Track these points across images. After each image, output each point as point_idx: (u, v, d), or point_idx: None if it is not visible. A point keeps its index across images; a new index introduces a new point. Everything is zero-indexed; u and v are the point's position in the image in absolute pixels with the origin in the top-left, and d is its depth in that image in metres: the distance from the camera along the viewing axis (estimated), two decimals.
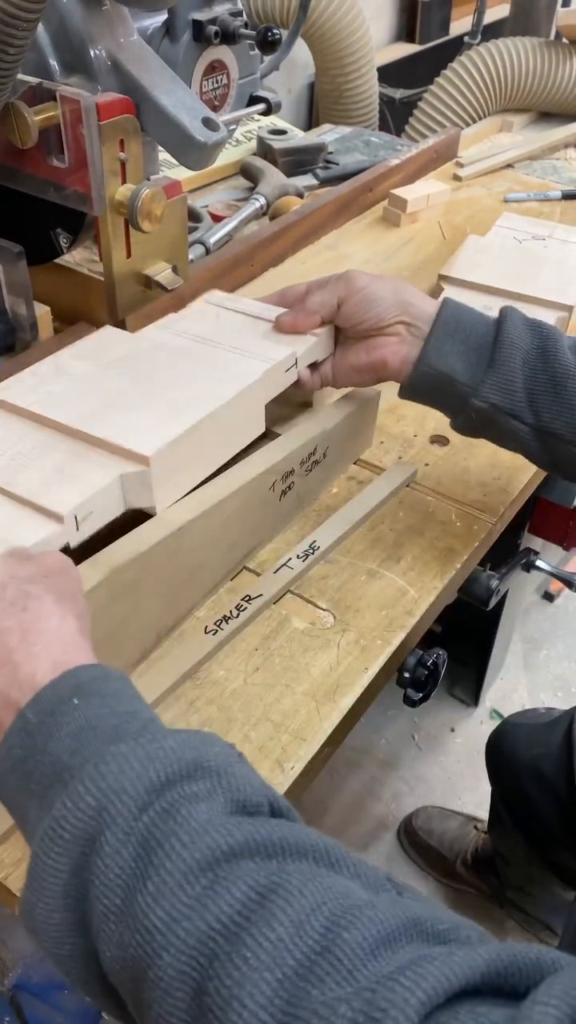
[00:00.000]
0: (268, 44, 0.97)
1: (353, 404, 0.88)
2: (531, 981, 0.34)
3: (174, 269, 0.92)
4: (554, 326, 0.77)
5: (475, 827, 1.56)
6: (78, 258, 1.08)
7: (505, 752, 1.22)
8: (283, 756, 0.65)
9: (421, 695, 0.80)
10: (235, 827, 0.40)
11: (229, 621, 0.75)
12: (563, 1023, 0.31)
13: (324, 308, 0.81)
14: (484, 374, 0.75)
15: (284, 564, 0.80)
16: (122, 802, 0.41)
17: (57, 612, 0.49)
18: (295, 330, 0.82)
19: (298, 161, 1.50)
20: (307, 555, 0.81)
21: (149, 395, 0.73)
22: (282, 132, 1.56)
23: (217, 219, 1.33)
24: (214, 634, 0.73)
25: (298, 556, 0.81)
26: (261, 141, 1.52)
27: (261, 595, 0.77)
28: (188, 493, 0.72)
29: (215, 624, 0.74)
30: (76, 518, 0.62)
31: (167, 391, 0.74)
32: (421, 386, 0.78)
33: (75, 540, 0.63)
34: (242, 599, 0.76)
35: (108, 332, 0.84)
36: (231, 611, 0.75)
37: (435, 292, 1.16)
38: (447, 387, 0.77)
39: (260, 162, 1.47)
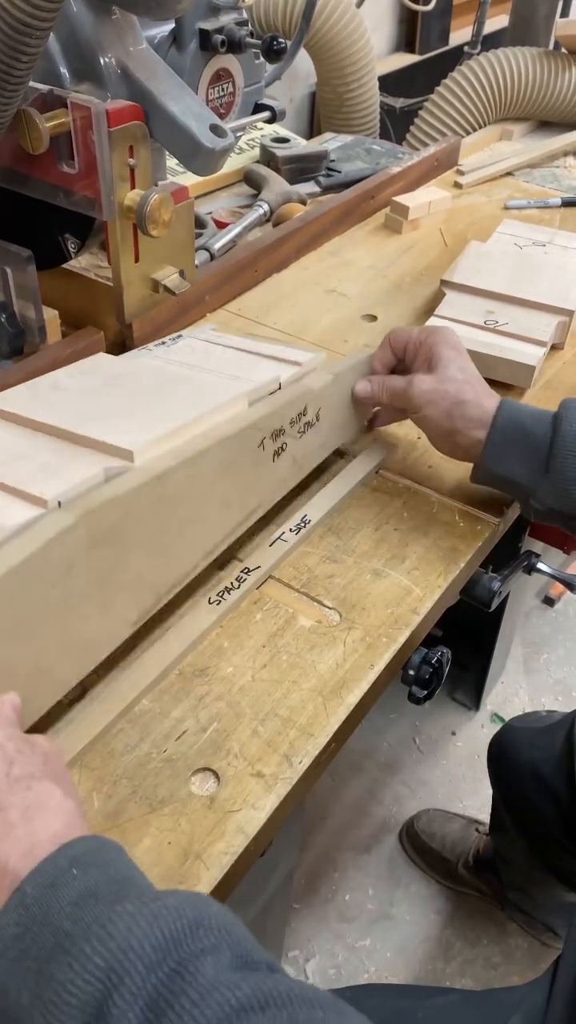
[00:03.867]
0: (273, 53, 0.98)
1: (342, 365, 0.89)
2: None
3: (181, 273, 0.93)
4: None
5: (476, 830, 1.56)
6: (85, 263, 1.09)
7: (506, 755, 1.23)
8: (291, 751, 0.66)
9: (426, 693, 0.81)
10: (243, 980, 0.40)
11: (231, 592, 0.77)
12: None
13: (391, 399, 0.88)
14: (542, 479, 0.80)
15: (278, 538, 0.83)
16: (130, 961, 0.40)
17: (58, 791, 0.50)
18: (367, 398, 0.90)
19: (301, 169, 1.52)
20: (299, 528, 0.84)
21: (136, 407, 0.76)
22: (285, 140, 1.57)
23: (221, 225, 1.35)
24: (217, 604, 0.76)
25: (291, 530, 0.84)
26: (264, 149, 1.54)
27: (259, 566, 0.80)
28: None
29: (217, 595, 0.76)
30: (60, 503, 0.63)
31: (155, 404, 0.77)
32: (485, 481, 0.86)
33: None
34: (241, 571, 0.79)
35: (102, 357, 0.87)
36: (231, 583, 0.78)
37: (437, 298, 1.17)
38: (508, 486, 0.84)
39: (263, 169, 1.48)
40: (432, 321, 1.09)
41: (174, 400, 0.77)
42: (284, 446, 0.82)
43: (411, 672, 0.80)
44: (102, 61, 0.83)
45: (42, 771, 0.51)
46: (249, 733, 0.68)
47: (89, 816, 0.61)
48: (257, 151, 1.57)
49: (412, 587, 0.81)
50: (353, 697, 0.71)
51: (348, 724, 0.70)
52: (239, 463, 0.77)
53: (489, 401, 0.83)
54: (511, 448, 0.81)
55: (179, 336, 0.95)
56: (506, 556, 1.03)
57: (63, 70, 0.84)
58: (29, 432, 0.72)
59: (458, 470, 0.93)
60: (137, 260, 0.90)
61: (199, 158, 0.86)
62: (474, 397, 0.83)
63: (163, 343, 0.93)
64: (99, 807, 0.62)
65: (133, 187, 0.85)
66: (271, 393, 0.82)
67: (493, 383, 1.05)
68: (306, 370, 0.87)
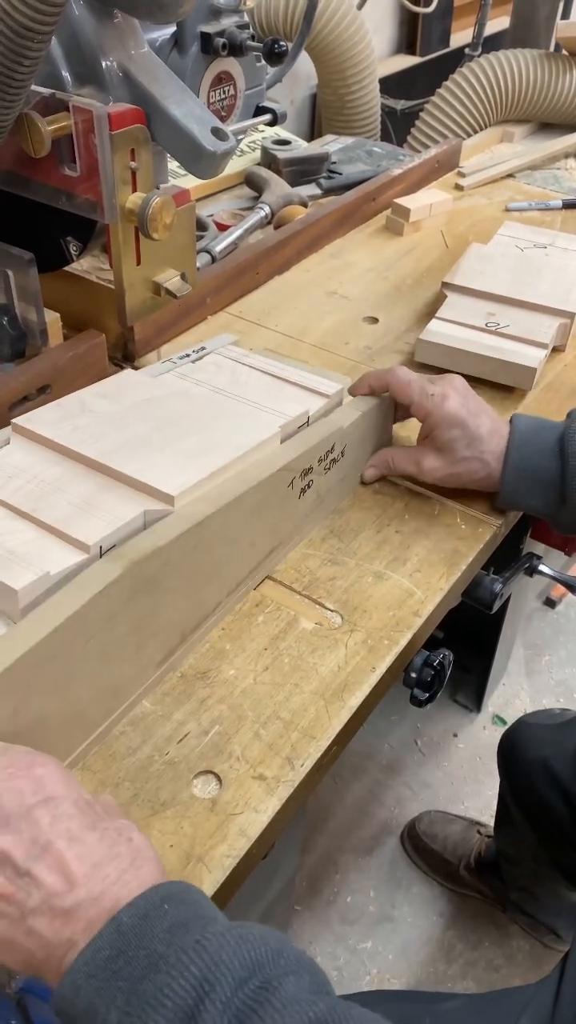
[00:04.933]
0: (275, 56, 0.98)
1: (369, 403, 0.89)
2: None
3: (183, 276, 0.93)
4: None
5: (478, 831, 1.56)
6: (87, 266, 1.10)
7: (518, 750, 1.23)
8: (293, 753, 0.66)
9: (427, 695, 0.81)
10: (319, 1000, 0.45)
11: None
12: None
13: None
14: (559, 509, 0.85)
15: None
16: (222, 973, 0.44)
17: (150, 845, 0.53)
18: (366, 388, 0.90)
19: (302, 171, 1.52)
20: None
21: (170, 438, 0.75)
22: (286, 142, 1.57)
23: (222, 228, 1.35)
24: None
25: None
26: (265, 151, 1.54)
27: None
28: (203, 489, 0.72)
29: None
30: (100, 548, 0.64)
31: (188, 436, 0.76)
32: (508, 510, 0.90)
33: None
34: None
35: (129, 375, 0.86)
36: None
37: (438, 300, 1.18)
38: (531, 512, 0.89)
39: (264, 172, 1.48)
40: (433, 323, 1.10)
41: (208, 433, 0.77)
42: (310, 483, 0.83)
43: (413, 674, 0.80)
44: (104, 64, 0.83)
45: (131, 824, 0.54)
46: (251, 736, 0.68)
47: None
48: (258, 153, 1.57)
49: (414, 589, 0.81)
50: (355, 700, 0.71)
51: (350, 726, 0.70)
52: (269, 503, 0.77)
53: (497, 464, 0.86)
54: (525, 488, 0.86)
55: (203, 349, 0.94)
56: (508, 558, 1.03)
57: (65, 74, 0.84)
58: (60, 457, 0.73)
59: None
60: (139, 263, 0.90)
61: (201, 161, 0.86)
62: (485, 473, 0.87)
63: (187, 356, 0.92)
64: None
65: (135, 190, 0.85)
66: (300, 427, 0.82)
67: (494, 386, 1.06)
68: (333, 403, 0.87)
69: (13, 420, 0.76)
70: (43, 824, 0.50)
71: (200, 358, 0.92)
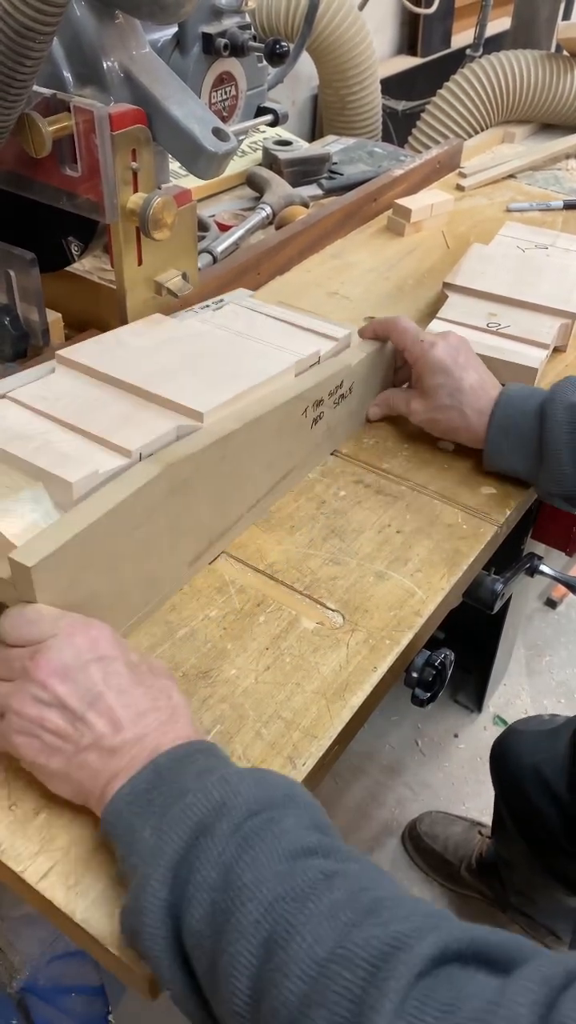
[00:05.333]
0: (276, 56, 0.98)
1: (374, 344, 0.98)
2: (513, 961, 0.42)
3: (184, 276, 0.94)
4: None
5: (479, 832, 1.56)
6: (88, 267, 1.10)
7: (509, 757, 1.23)
8: (295, 753, 0.67)
9: (429, 695, 0.81)
10: (313, 833, 0.52)
11: None
12: (539, 1005, 0.38)
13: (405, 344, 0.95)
14: (538, 469, 0.88)
15: None
16: (238, 802, 0.52)
17: (187, 704, 0.63)
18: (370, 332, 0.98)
19: (303, 171, 1.52)
20: None
21: (197, 368, 0.83)
22: (287, 143, 1.58)
23: (224, 228, 1.35)
24: None
25: None
26: (267, 152, 1.54)
27: None
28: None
29: None
30: (140, 454, 0.72)
31: (213, 366, 0.84)
32: (495, 470, 0.93)
33: None
34: None
35: (158, 318, 0.93)
36: None
37: (440, 300, 1.18)
38: (513, 475, 0.92)
39: (266, 172, 1.48)
40: (434, 324, 1.10)
41: (230, 365, 0.85)
42: (321, 415, 0.91)
43: (414, 674, 0.80)
44: (105, 65, 0.83)
45: (172, 685, 0.63)
46: (253, 735, 0.68)
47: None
48: (259, 154, 1.57)
49: (415, 589, 0.81)
50: (356, 699, 0.71)
51: (351, 726, 0.70)
52: (286, 428, 0.86)
53: (478, 419, 0.91)
54: (507, 447, 0.90)
55: (221, 301, 1.03)
56: (508, 558, 1.03)
57: (66, 74, 0.85)
58: (101, 384, 0.81)
59: (461, 472, 0.94)
60: (140, 263, 0.90)
61: (202, 161, 0.86)
62: (462, 424, 0.92)
63: (207, 306, 1.01)
64: None
65: (136, 190, 0.85)
66: (312, 365, 0.90)
67: None
68: (341, 345, 0.94)
69: (57, 352, 0.83)
70: (96, 677, 0.59)
71: (220, 308, 1.00)
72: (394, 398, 0.99)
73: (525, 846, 1.24)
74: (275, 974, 0.44)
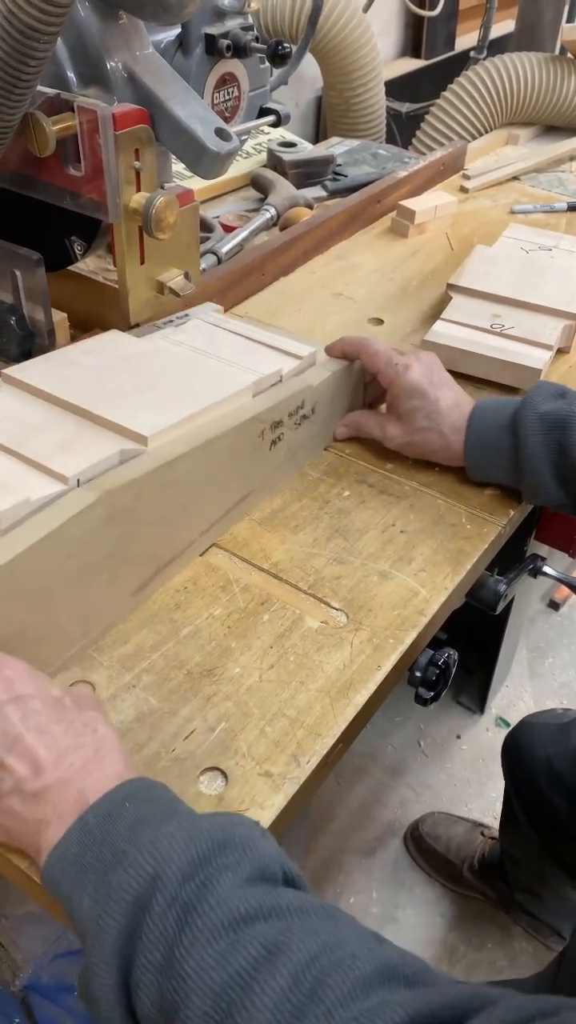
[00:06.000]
0: (278, 58, 0.99)
1: (340, 364, 0.94)
2: (471, 1012, 0.42)
3: (186, 275, 0.94)
4: (571, 415, 0.84)
5: (482, 833, 1.56)
6: (93, 266, 1.10)
7: (522, 749, 1.23)
8: (299, 751, 0.67)
9: (432, 694, 0.81)
10: (251, 895, 0.49)
11: None
12: None
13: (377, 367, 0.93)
14: (520, 482, 0.89)
15: None
16: (171, 871, 0.50)
17: (115, 736, 0.60)
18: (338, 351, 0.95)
19: (307, 173, 1.52)
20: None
21: (147, 388, 0.81)
22: (292, 144, 1.58)
23: (228, 229, 1.35)
24: None
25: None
26: (271, 153, 1.54)
27: None
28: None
29: None
30: (78, 480, 0.69)
31: (164, 387, 0.81)
32: (480, 482, 0.93)
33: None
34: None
35: (114, 334, 0.90)
36: None
37: (443, 301, 1.18)
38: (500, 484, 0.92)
39: (270, 174, 1.49)
40: (438, 325, 1.10)
41: (183, 386, 0.82)
42: (281, 436, 0.88)
43: (418, 673, 0.80)
44: (109, 65, 0.84)
45: (98, 717, 0.61)
46: (257, 733, 0.68)
47: None
48: (264, 155, 1.58)
49: (419, 589, 0.81)
50: (360, 698, 0.71)
51: (355, 724, 0.70)
52: (240, 451, 0.83)
53: (456, 437, 0.90)
54: (486, 463, 0.90)
55: (186, 316, 1.00)
56: (512, 559, 1.03)
57: (70, 74, 0.85)
58: (46, 405, 0.78)
59: (464, 473, 0.94)
60: (143, 262, 0.90)
61: (204, 161, 0.86)
62: (442, 444, 0.91)
63: (170, 321, 0.98)
64: None
65: (139, 190, 0.85)
66: (273, 385, 0.87)
67: (499, 387, 1.06)
68: (305, 364, 0.92)
69: (3, 371, 0.81)
70: (14, 719, 0.57)
71: (183, 323, 0.97)
72: (366, 422, 0.96)
73: (537, 838, 1.24)
74: None
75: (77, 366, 0.83)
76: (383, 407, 0.97)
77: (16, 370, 0.81)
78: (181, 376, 0.84)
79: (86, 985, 0.50)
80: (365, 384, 0.99)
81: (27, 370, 0.81)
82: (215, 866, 0.50)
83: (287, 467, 0.91)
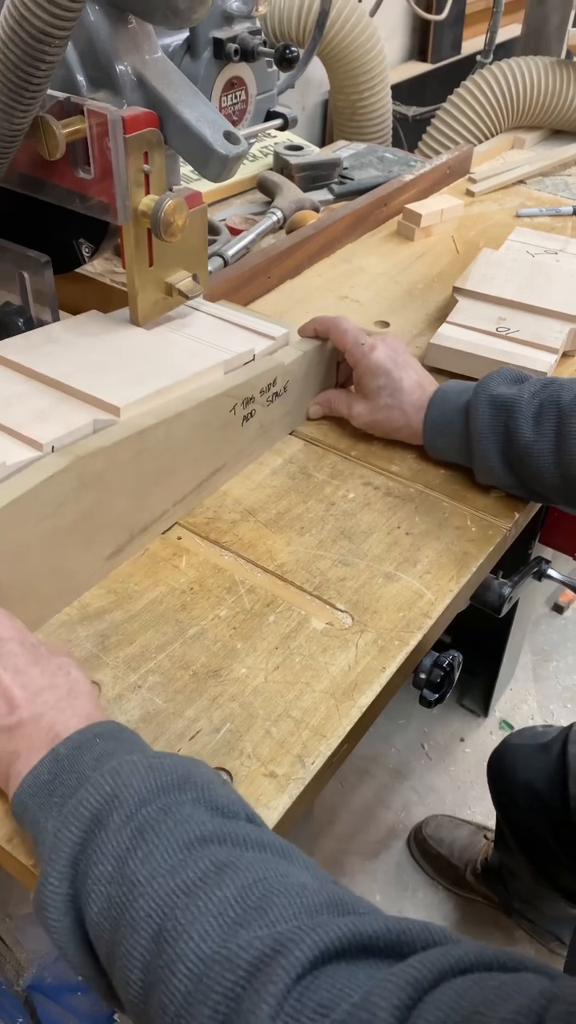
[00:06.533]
0: (286, 62, 0.99)
1: (312, 343, 0.98)
2: (405, 945, 0.43)
3: (194, 278, 0.94)
4: (518, 399, 0.86)
5: (485, 836, 1.56)
6: (100, 269, 1.10)
7: (504, 773, 1.21)
8: (303, 751, 0.67)
9: (437, 696, 0.81)
10: (209, 821, 0.52)
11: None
12: (418, 983, 0.39)
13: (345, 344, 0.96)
14: (471, 462, 0.91)
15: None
16: (129, 793, 0.53)
17: (87, 681, 0.64)
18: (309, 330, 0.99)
19: (314, 176, 1.53)
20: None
21: (122, 364, 0.85)
22: (298, 148, 1.58)
23: (235, 232, 1.35)
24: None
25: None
26: (278, 156, 1.55)
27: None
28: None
29: None
30: (52, 447, 0.73)
31: (140, 364, 0.85)
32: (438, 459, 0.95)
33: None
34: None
35: (93, 315, 0.93)
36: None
37: (449, 304, 1.18)
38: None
39: (277, 177, 1.49)
40: (444, 328, 1.10)
41: (158, 362, 0.86)
42: (253, 412, 0.92)
43: (422, 675, 0.80)
44: (118, 69, 0.84)
45: (71, 662, 0.64)
46: (262, 734, 0.68)
47: None
48: (271, 159, 1.58)
49: (424, 591, 0.81)
50: (365, 699, 0.71)
51: (360, 726, 0.71)
52: (211, 425, 0.86)
53: (417, 416, 0.93)
54: (442, 443, 0.93)
55: None
56: (516, 562, 1.04)
57: (80, 78, 0.85)
58: (25, 378, 0.81)
59: (470, 475, 0.94)
60: (151, 264, 0.90)
61: (212, 164, 0.87)
62: (404, 423, 0.94)
63: None
64: None
65: (148, 192, 0.85)
66: (245, 363, 0.90)
67: None
68: (278, 344, 0.95)
69: None
70: None
71: None
72: (335, 400, 1.00)
73: (525, 861, 1.23)
74: (163, 970, 0.45)
75: (55, 343, 0.86)
76: (353, 387, 1.00)
77: None
78: (156, 354, 0.88)
79: (38, 894, 0.52)
80: (338, 363, 1.03)
81: (8, 347, 0.85)
82: (174, 797, 0.53)
83: (260, 443, 0.95)
